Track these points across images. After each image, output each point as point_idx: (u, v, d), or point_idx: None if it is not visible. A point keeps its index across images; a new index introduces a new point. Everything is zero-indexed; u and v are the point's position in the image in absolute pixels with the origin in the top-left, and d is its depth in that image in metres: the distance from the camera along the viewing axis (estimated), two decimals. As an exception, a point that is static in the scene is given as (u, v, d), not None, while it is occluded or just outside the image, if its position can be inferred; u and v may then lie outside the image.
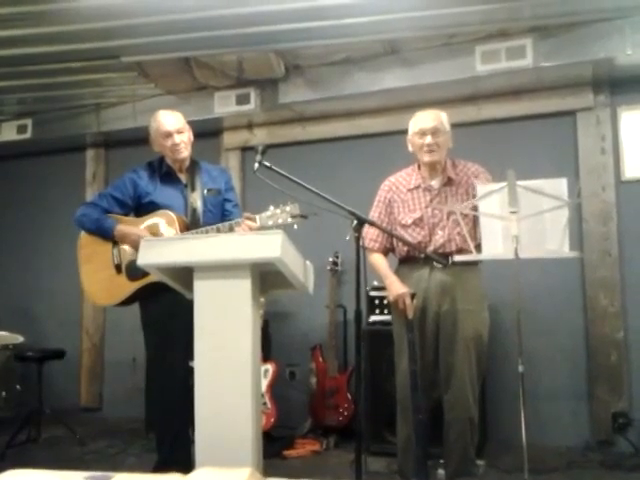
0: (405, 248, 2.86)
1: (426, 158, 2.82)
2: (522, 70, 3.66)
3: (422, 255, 2.77)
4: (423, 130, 2.80)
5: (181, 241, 2.21)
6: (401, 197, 2.90)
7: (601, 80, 3.85)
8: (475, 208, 2.58)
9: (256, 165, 2.38)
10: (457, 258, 2.64)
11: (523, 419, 2.37)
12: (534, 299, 3.63)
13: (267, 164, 2.38)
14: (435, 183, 2.86)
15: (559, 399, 3.81)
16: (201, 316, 2.12)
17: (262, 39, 3.68)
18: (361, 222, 2.32)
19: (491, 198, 2.40)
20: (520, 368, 2.37)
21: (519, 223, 2.31)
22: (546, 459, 3.36)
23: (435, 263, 2.75)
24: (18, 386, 4.43)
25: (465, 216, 2.69)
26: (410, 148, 2.89)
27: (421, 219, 2.83)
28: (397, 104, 4.12)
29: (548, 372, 3.79)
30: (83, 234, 2.97)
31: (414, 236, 2.83)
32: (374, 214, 2.94)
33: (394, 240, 2.91)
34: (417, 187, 2.88)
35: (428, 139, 2.78)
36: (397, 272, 2.88)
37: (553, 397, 3.80)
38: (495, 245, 2.41)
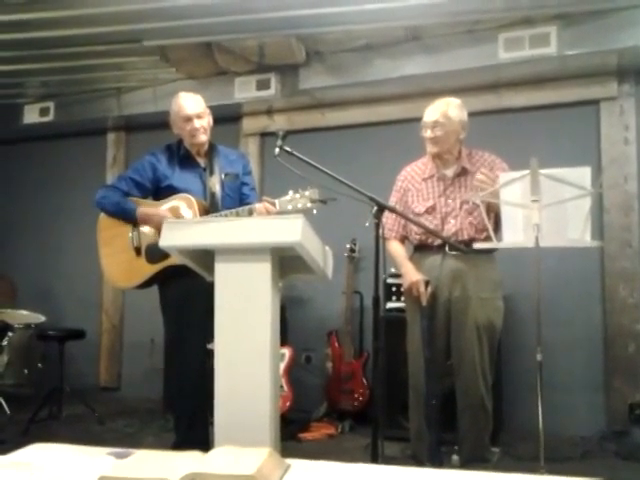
0: (417, 236, 2.87)
1: (428, 149, 2.88)
2: (546, 58, 3.61)
3: (438, 241, 2.79)
4: (424, 123, 2.84)
5: (203, 224, 2.23)
6: (415, 186, 2.93)
7: (626, 69, 3.79)
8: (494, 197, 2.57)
9: (277, 150, 2.40)
10: (477, 245, 2.64)
11: (540, 408, 2.37)
12: (552, 289, 3.60)
13: (288, 149, 2.40)
14: (449, 172, 2.88)
15: (575, 389, 3.81)
16: (222, 298, 2.14)
17: (283, 24, 3.67)
18: (381, 208, 2.33)
19: (513, 186, 2.39)
20: (538, 357, 2.37)
21: (540, 212, 2.30)
22: (561, 448, 3.36)
23: (448, 250, 2.76)
24: (40, 364, 4.50)
25: (476, 208, 2.69)
26: None
27: (434, 208, 2.85)
28: (417, 91, 4.09)
29: (565, 362, 3.78)
30: (102, 216, 2.99)
31: (426, 225, 2.83)
32: (390, 203, 2.95)
33: (408, 228, 2.93)
34: (431, 176, 2.91)
35: (428, 133, 2.82)
36: (411, 259, 2.92)
37: (569, 387, 3.79)
38: (516, 233, 2.40)
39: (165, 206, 2.88)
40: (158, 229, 2.77)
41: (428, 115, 2.83)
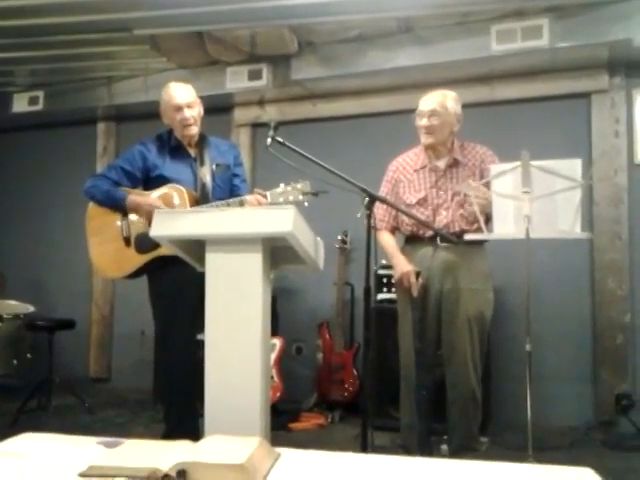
0: (409, 227, 2.88)
1: (422, 139, 2.87)
2: (538, 50, 3.61)
3: (429, 233, 2.79)
4: (420, 112, 2.83)
5: (194, 214, 2.22)
6: (407, 177, 2.92)
7: (617, 62, 3.80)
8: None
9: (269, 140, 2.39)
10: (468, 236, 2.64)
11: (529, 398, 2.39)
12: (542, 281, 3.62)
13: (280, 140, 2.39)
14: (441, 164, 2.87)
15: (564, 380, 3.84)
16: (212, 289, 2.14)
17: (276, 14, 3.65)
18: (373, 199, 2.33)
19: (504, 178, 2.40)
20: (527, 347, 2.39)
21: (531, 203, 2.31)
22: (549, 438, 3.39)
23: (439, 241, 2.77)
24: (29, 355, 4.48)
25: (467, 200, 2.69)
26: None
27: (425, 199, 2.85)
28: (409, 83, 4.09)
29: (553, 353, 3.81)
30: (91, 206, 2.97)
31: (418, 216, 2.84)
32: (381, 194, 2.95)
33: (399, 219, 2.93)
34: (423, 167, 2.90)
35: (424, 121, 2.81)
36: (402, 250, 2.92)
37: (558, 378, 3.82)
38: (507, 225, 2.41)
39: (155, 195, 2.87)
40: (148, 218, 2.75)
41: (425, 104, 2.82)
